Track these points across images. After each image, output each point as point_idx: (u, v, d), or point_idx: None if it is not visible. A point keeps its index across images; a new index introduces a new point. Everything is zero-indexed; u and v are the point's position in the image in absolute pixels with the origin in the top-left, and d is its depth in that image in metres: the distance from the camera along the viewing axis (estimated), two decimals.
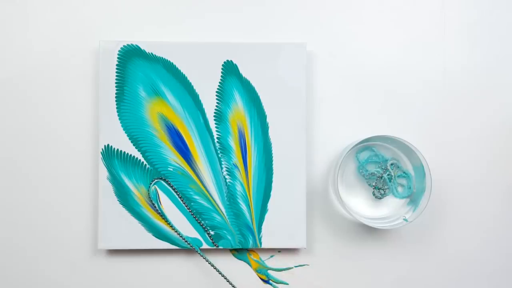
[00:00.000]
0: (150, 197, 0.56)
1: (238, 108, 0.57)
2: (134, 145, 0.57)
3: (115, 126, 0.56)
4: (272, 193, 0.57)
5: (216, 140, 0.57)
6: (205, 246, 0.57)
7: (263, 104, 0.57)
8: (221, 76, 0.57)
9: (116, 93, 0.57)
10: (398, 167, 0.58)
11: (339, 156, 0.57)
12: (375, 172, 0.58)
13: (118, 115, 0.57)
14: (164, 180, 0.57)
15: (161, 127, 0.57)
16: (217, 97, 0.57)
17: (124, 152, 0.56)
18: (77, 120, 0.58)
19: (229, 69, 0.57)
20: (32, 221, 0.58)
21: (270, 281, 0.59)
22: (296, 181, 0.57)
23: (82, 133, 0.58)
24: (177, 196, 0.57)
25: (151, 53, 0.57)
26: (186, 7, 0.60)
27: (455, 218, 0.60)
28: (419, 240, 0.59)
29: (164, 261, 0.58)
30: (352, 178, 0.59)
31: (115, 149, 0.56)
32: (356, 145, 0.57)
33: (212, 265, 0.56)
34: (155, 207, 0.57)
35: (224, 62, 0.57)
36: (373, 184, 0.58)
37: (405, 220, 0.56)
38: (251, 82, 0.57)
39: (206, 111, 0.57)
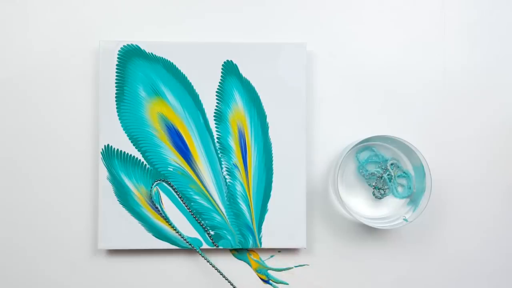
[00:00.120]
0: (152, 200, 0.56)
1: (238, 108, 0.57)
2: (134, 145, 0.57)
3: (115, 126, 0.56)
4: (272, 193, 0.57)
5: (216, 140, 0.57)
6: (205, 246, 0.57)
7: (263, 104, 0.57)
8: (221, 76, 0.57)
9: (116, 93, 0.57)
10: (398, 167, 0.58)
11: (339, 156, 0.57)
12: (375, 172, 0.58)
13: (118, 115, 0.57)
14: (166, 182, 0.57)
15: (161, 127, 0.57)
16: (217, 97, 0.57)
17: (124, 152, 0.56)
18: (77, 120, 0.58)
19: (229, 69, 0.57)
20: (32, 221, 0.58)
21: (270, 281, 0.59)
22: (296, 181, 0.57)
23: (82, 133, 0.58)
24: (177, 196, 0.57)
25: (151, 53, 0.57)
26: (186, 7, 0.60)
27: (455, 218, 0.60)
28: (419, 240, 0.59)
29: (164, 261, 0.58)
30: (352, 178, 0.59)
31: (115, 149, 0.56)
32: (356, 145, 0.57)
33: (213, 265, 0.56)
34: (158, 209, 0.56)
35: (224, 62, 0.57)
36: (373, 184, 0.58)
37: (405, 220, 0.56)
38: (251, 82, 0.57)
39: (206, 111, 0.57)
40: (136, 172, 0.57)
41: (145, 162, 0.57)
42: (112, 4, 0.59)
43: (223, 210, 0.57)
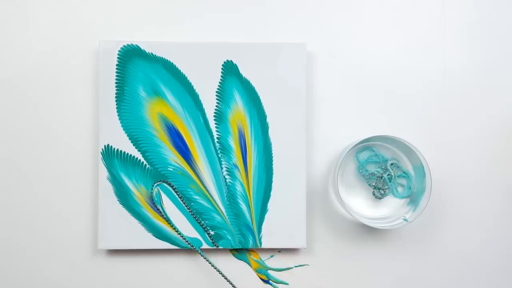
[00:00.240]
0: (154, 202, 0.56)
1: (238, 108, 0.57)
2: (134, 145, 0.57)
3: (115, 126, 0.56)
4: (272, 193, 0.57)
5: (216, 140, 0.57)
6: (205, 246, 0.57)
7: (263, 104, 0.57)
8: (221, 76, 0.57)
9: (116, 93, 0.57)
10: (398, 167, 0.58)
11: (339, 156, 0.57)
12: (375, 172, 0.58)
13: (118, 115, 0.57)
14: (167, 183, 0.57)
15: (161, 127, 0.57)
16: (217, 97, 0.57)
17: (124, 152, 0.56)
18: (77, 120, 0.58)
19: (229, 69, 0.57)
20: (32, 221, 0.58)
21: (270, 281, 0.59)
22: (296, 181, 0.57)
23: (82, 133, 0.58)
24: (177, 196, 0.57)
25: (151, 53, 0.57)
26: (186, 7, 0.60)
27: (455, 218, 0.60)
28: (419, 240, 0.59)
29: (164, 261, 0.58)
30: (352, 178, 0.59)
31: (115, 149, 0.56)
32: (356, 145, 0.57)
33: (213, 265, 0.56)
34: (159, 211, 0.56)
35: (224, 62, 0.57)
36: (373, 184, 0.58)
37: (405, 220, 0.56)
38: (251, 82, 0.57)
39: (206, 111, 0.57)
40: (136, 172, 0.57)
41: (145, 162, 0.57)
42: (112, 4, 0.59)
43: (223, 210, 0.57)
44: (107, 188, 0.56)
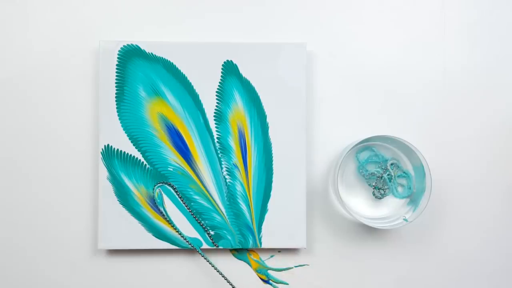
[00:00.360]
0: (155, 203, 0.56)
1: (238, 108, 0.57)
2: (134, 145, 0.57)
3: (115, 126, 0.56)
4: (272, 193, 0.57)
5: (216, 140, 0.57)
6: (205, 246, 0.57)
7: (263, 104, 0.57)
8: (221, 76, 0.57)
9: (116, 93, 0.57)
10: (398, 167, 0.58)
11: (339, 156, 0.57)
12: (375, 172, 0.58)
13: (118, 115, 0.57)
14: (168, 184, 0.57)
15: (161, 127, 0.57)
16: (217, 97, 0.57)
17: (124, 152, 0.56)
18: (77, 120, 0.58)
19: (229, 69, 0.57)
20: (32, 221, 0.58)
21: (270, 281, 0.59)
22: (296, 181, 0.57)
23: (82, 133, 0.58)
24: (177, 196, 0.57)
25: (151, 53, 0.57)
26: (186, 7, 0.60)
27: (455, 218, 0.60)
28: (419, 240, 0.59)
29: (164, 261, 0.58)
30: (352, 178, 0.59)
31: (115, 149, 0.56)
32: (356, 145, 0.57)
33: (213, 266, 0.56)
34: (162, 213, 0.56)
35: (224, 62, 0.57)
36: (373, 184, 0.58)
37: (405, 220, 0.56)
38: (251, 82, 0.57)
39: (206, 111, 0.57)
40: (136, 172, 0.57)
41: (145, 162, 0.57)
42: (112, 4, 0.59)
43: (223, 210, 0.57)
44: (107, 188, 0.56)
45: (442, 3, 0.61)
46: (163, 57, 0.57)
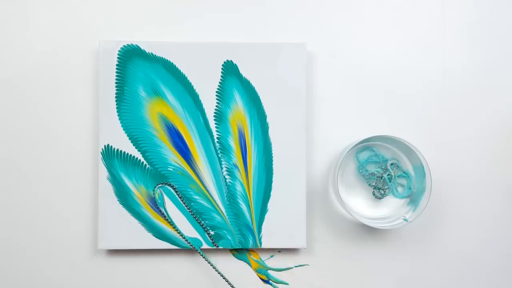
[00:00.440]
0: (156, 203, 0.56)
1: (238, 108, 0.57)
2: (134, 145, 0.57)
3: (115, 126, 0.56)
4: (272, 193, 0.57)
5: (216, 140, 0.57)
6: (205, 246, 0.57)
7: (263, 104, 0.57)
8: (221, 76, 0.57)
9: (116, 93, 0.57)
10: (398, 167, 0.58)
11: (339, 156, 0.57)
12: (375, 172, 0.58)
13: (118, 115, 0.57)
14: (169, 184, 0.57)
15: (161, 127, 0.57)
16: (217, 97, 0.57)
17: (124, 152, 0.56)
18: (77, 120, 0.58)
19: (229, 69, 0.57)
20: (32, 221, 0.58)
21: (270, 281, 0.59)
22: (296, 181, 0.57)
23: (82, 133, 0.58)
24: (177, 197, 0.57)
25: (151, 53, 0.57)
26: (186, 7, 0.60)
27: (455, 218, 0.60)
28: (419, 240, 0.59)
29: (164, 261, 0.58)
30: (352, 178, 0.59)
31: (115, 149, 0.56)
32: (356, 145, 0.57)
33: (213, 266, 0.56)
34: (163, 214, 0.56)
35: (224, 62, 0.57)
36: (373, 184, 0.58)
37: (405, 220, 0.56)
38: (251, 82, 0.57)
39: (206, 111, 0.57)
40: (136, 172, 0.57)
41: (145, 162, 0.57)
42: (112, 4, 0.59)
43: (223, 210, 0.57)
44: (107, 188, 0.56)
45: (442, 3, 0.61)
46: (163, 57, 0.57)
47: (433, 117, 0.60)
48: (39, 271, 0.58)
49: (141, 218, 0.56)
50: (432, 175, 0.56)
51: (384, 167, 0.58)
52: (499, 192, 0.60)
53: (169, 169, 0.57)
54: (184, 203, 0.57)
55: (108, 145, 0.56)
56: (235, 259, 0.58)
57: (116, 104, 0.57)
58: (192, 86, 0.57)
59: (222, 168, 0.57)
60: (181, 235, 0.56)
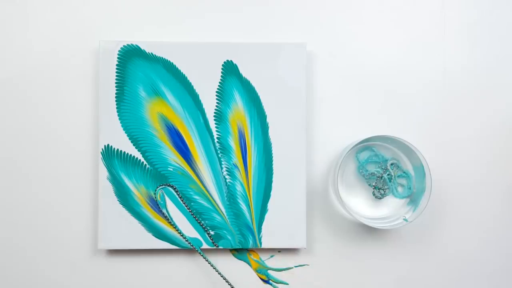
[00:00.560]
0: (158, 205, 0.56)
1: (238, 108, 0.57)
2: (134, 145, 0.57)
3: (115, 126, 0.56)
4: (272, 193, 0.57)
5: (216, 140, 0.57)
6: (205, 246, 0.57)
7: (263, 104, 0.57)
8: (221, 76, 0.57)
9: (116, 93, 0.57)
10: (398, 167, 0.58)
11: (339, 156, 0.57)
12: (375, 172, 0.58)
13: (118, 115, 0.57)
14: (170, 186, 0.57)
15: (161, 127, 0.57)
16: (217, 97, 0.57)
17: (124, 152, 0.56)
18: (77, 120, 0.58)
19: (229, 69, 0.57)
20: (32, 221, 0.58)
21: (270, 281, 0.59)
22: (296, 181, 0.57)
23: (82, 133, 0.58)
24: (177, 197, 0.57)
25: (151, 53, 0.57)
26: (186, 7, 0.60)
27: (455, 218, 0.60)
28: (419, 240, 0.59)
29: (164, 261, 0.58)
30: (352, 178, 0.59)
31: (115, 149, 0.56)
32: (356, 145, 0.57)
33: (213, 266, 0.56)
34: (164, 215, 0.56)
35: (224, 62, 0.57)
36: (373, 184, 0.58)
37: (405, 220, 0.56)
38: (251, 82, 0.57)
39: (206, 111, 0.57)
40: (136, 172, 0.57)
41: (145, 162, 0.57)
42: (112, 4, 0.59)
43: (223, 210, 0.57)
44: (107, 188, 0.56)
45: (442, 3, 0.61)
46: (163, 57, 0.57)
47: (433, 117, 0.60)
48: (39, 271, 0.58)
49: (141, 218, 0.56)
50: (432, 175, 0.56)
51: (384, 167, 0.58)
52: (499, 192, 0.60)
53: (169, 169, 0.57)
54: (184, 203, 0.57)
55: (108, 145, 0.56)
56: (235, 259, 0.58)
57: (116, 104, 0.57)
58: (192, 86, 0.57)
59: (222, 168, 0.57)
60: (182, 236, 0.56)
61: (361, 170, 0.58)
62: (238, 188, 0.57)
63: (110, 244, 0.56)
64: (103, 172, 0.56)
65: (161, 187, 0.57)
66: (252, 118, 0.57)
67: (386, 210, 0.58)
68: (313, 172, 0.59)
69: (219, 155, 0.57)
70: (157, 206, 0.57)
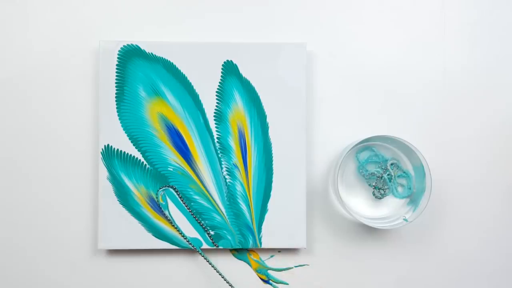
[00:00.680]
0: (160, 207, 0.56)
1: (238, 108, 0.57)
2: (134, 145, 0.57)
3: (115, 126, 0.56)
4: (272, 193, 0.57)
5: (216, 140, 0.57)
6: (205, 246, 0.57)
7: (263, 104, 0.57)
8: (221, 76, 0.57)
9: (116, 93, 0.57)
10: (398, 167, 0.58)
11: (339, 156, 0.57)
12: (375, 172, 0.58)
13: (118, 115, 0.57)
14: (171, 187, 0.57)
15: (161, 127, 0.57)
16: (217, 97, 0.57)
17: (124, 152, 0.56)
18: (77, 120, 0.58)
19: (229, 69, 0.57)
20: (32, 221, 0.58)
21: (270, 281, 0.59)
22: (296, 181, 0.57)
23: (82, 133, 0.58)
24: (177, 197, 0.57)
25: (151, 53, 0.57)
26: (186, 7, 0.60)
27: (455, 218, 0.60)
28: (419, 240, 0.59)
29: (164, 261, 0.58)
30: (352, 178, 0.59)
31: (115, 149, 0.56)
32: (356, 145, 0.57)
33: (213, 266, 0.56)
34: (167, 217, 0.56)
35: (224, 62, 0.57)
36: (373, 184, 0.58)
37: (405, 220, 0.56)
38: (251, 82, 0.57)
39: (206, 111, 0.57)
40: (136, 172, 0.57)
41: (145, 162, 0.57)
42: (112, 4, 0.59)
43: (223, 210, 0.57)
44: (107, 188, 0.56)
45: (442, 3, 0.61)
46: (163, 57, 0.57)
47: (433, 117, 0.60)
48: (39, 271, 0.58)
49: (141, 218, 0.56)
50: (432, 175, 0.56)
51: (384, 167, 0.58)
52: (499, 192, 0.60)
53: (169, 169, 0.57)
54: (184, 203, 0.57)
55: (108, 145, 0.56)
56: (235, 259, 0.58)
57: (116, 104, 0.57)
58: (192, 86, 0.57)
59: (222, 168, 0.57)
60: (183, 236, 0.56)
61: (361, 170, 0.58)
62: (238, 188, 0.57)
63: (110, 244, 0.56)
64: (103, 172, 0.56)
65: (162, 188, 0.57)
66: (252, 118, 0.57)
67: (386, 210, 0.58)
68: (313, 172, 0.59)
69: (219, 155, 0.57)
70: (158, 207, 0.57)
